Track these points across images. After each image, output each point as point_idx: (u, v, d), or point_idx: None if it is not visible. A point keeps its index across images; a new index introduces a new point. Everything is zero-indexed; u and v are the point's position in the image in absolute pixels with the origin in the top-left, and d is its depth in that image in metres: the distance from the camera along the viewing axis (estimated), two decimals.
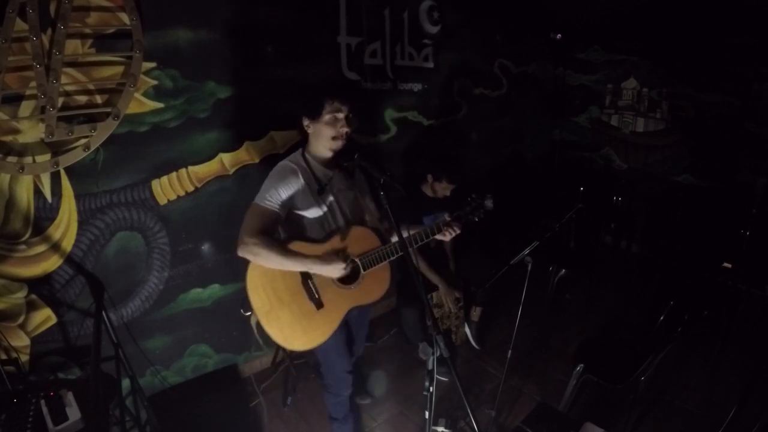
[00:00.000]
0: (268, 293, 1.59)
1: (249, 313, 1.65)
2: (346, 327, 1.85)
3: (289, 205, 1.60)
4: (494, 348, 2.92)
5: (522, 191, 4.26)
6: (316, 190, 1.63)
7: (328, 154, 1.64)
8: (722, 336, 2.73)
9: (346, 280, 1.67)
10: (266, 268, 1.57)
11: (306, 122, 1.64)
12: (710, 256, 2.93)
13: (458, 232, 1.73)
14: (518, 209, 3.90)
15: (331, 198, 1.68)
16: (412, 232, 1.70)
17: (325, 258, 1.58)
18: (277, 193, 1.57)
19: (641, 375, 1.94)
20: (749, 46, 3.25)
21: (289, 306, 1.62)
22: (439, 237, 1.73)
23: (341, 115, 1.60)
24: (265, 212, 1.56)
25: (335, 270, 1.58)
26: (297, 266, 1.57)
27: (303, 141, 1.72)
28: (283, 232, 1.69)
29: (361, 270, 1.67)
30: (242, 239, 1.52)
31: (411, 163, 3.18)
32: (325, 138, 1.61)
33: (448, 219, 1.71)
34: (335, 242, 1.66)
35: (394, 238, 1.72)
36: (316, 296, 1.64)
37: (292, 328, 1.63)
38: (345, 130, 1.61)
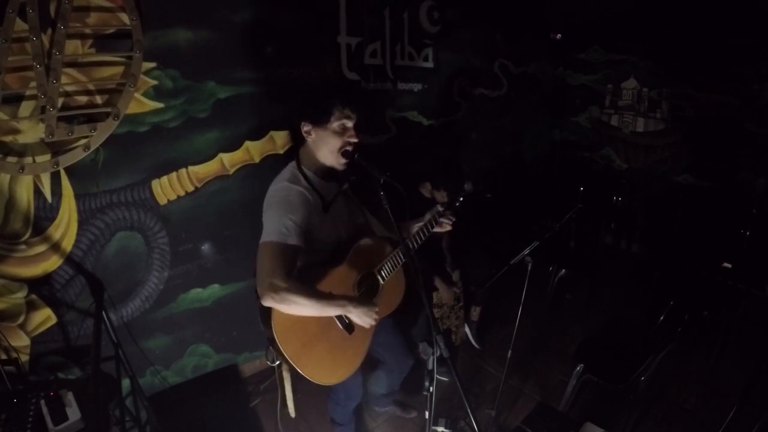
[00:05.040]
0: (299, 334, 1.42)
1: (277, 363, 1.47)
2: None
3: (306, 232, 1.43)
4: (494, 348, 2.92)
5: (522, 191, 4.26)
6: (321, 208, 1.50)
7: (329, 165, 1.50)
8: (722, 336, 2.73)
9: (369, 295, 1.62)
10: None
11: (307, 127, 1.47)
12: (710, 256, 2.93)
13: (453, 219, 1.75)
14: (518, 209, 3.90)
15: (335, 214, 1.57)
16: (412, 231, 1.71)
17: (367, 305, 1.49)
18: (294, 224, 1.37)
19: (641, 375, 1.94)
20: (749, 46, 3.25)
21: (323, 340, 1.48)
22: (438, 229, 1.76)
23: (350, 124, 1.46)
24: (288, 250, 1.35)
25: (369, 318, 1.48)
26: (336, 311, 1.44)
27: (295, 151, 1.56)
28: None
29: (381, 281, 1.63)
30: (272, 286, 1.28)
31: (411, 163, 3.18)
32: (330, 148, 1.46)
33: (440, 209, 1.73)
34: (353, 260, 1.56)
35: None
36: (347, 320, 1.53)
37: (329, 362, 1.51)
38: (354, 140, 1.46)
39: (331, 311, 1.44)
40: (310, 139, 1.49)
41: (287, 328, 1.39)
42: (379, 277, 1.63)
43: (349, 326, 1.54)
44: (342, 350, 1.54)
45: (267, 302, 1.31)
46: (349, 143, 1.46)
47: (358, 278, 1.59)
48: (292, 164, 1.54)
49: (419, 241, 1.70)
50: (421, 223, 1.73)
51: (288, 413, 1.67)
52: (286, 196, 1.42)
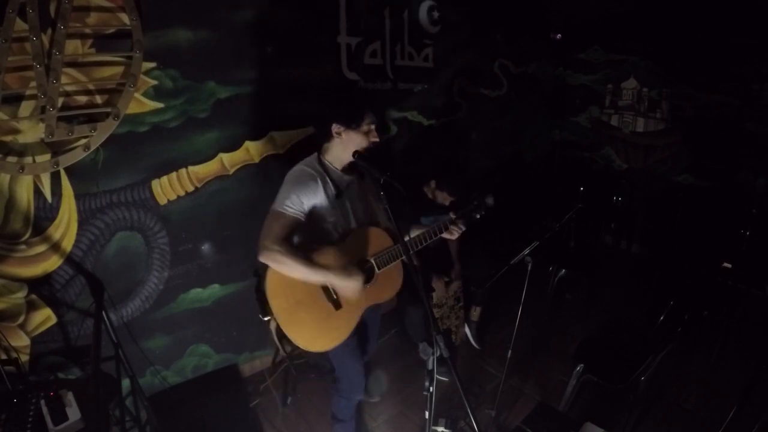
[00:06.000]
0: (288, 297, 1.58)
1: (267, 318, 1.60)
2: (358, 328, 1.84)
3: (310, 210, 1.61)
4: (494, 348, 2.92)
5: (522, 191, 4.26)
6: (334, 195, 1.64)
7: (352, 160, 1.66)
8: (722, 336, 2.73)
9: (363, 280, 1.69)
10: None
11: (338, 128, 1.63)
12: (710, 256, 2.94)
13: (464, 229, 1.80)
14: (518, 209, 3.90)
15: (347, 203, 1.70)
16: (418, 232, 1.78)
17: (347, 272, 1.58)
18: (299, 199, 1.57)
19: (641, 375, 1.94)
20: (749, 46, 3.25)
21: (309, 308, 1.61)
22: (446, 236, 1.81)
23: (374, 127, 1.65)
24: (289, 219, 1.55)
25: (355, 286, 1.59)
26: (320, 279, 1.57)
27: (318, 145, 1.71)
28: (297, 235, 1.68)
29: (376, 269, 1.71)
30: (266, 246, 1.49)
31: (411, 163, 3.18)
32: (358, 147, 1.62)
33: (453, 217, 1.77)
34: (351, 243, 1.68)
35: (407, 237, 1.78)
36: (335, 297, 1.65)
37: (313, 329, 1.63)
38: (377, 140, 1.65)
39: (313, 277, 1.55)
40: (338, 138, 1.65)
41: (278, 287, 1.56)
42: (375, 265, 1.71)
43: (336, 302, 1.65)
44: (326, 323, 1.65)
45: (261, 258, 1.51)
46: (373, 143, 1.65)
47: (354, 262, 1.67)
48: (315, 154, 1.71)
49: (424, 242, 1.76)
50: (426, 228, 1.78)
51: (281, 351, 1.79)
52: (300, 176, 1.62)
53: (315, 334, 1.63)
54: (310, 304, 1.61)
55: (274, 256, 1.48)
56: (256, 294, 1.62)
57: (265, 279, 1.54)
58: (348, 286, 1.58)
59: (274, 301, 1.55)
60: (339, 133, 1.64)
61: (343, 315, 1.68)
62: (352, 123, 1.62)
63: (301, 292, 1.59)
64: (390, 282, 1.79)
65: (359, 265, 1.69)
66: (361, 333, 1.99)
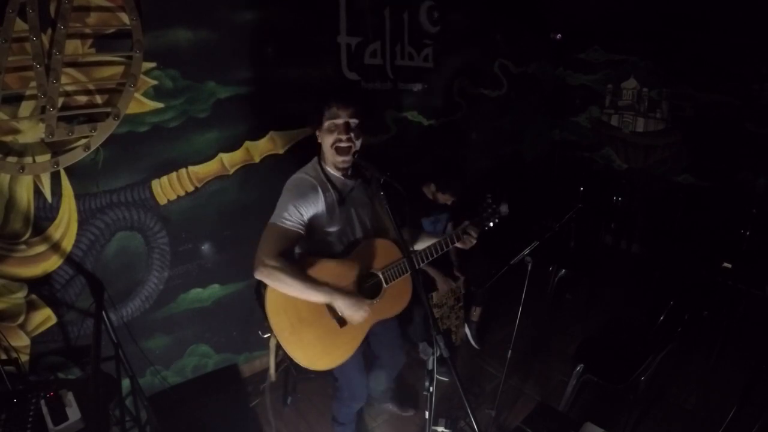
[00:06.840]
0: (290, 315, 1.49)
1: (267, 336, 1.54)
2: (365, 341, 1.77)
3: (310, 222, 1.52)
4: (494, 348, 2.92)
5: (522, 191, 4.25)
6: (336, 202, 1.56)
7: (334, 163, 1.56)
8: (722, 336, 2.73)
9: (369, 295, 1.61)
10: None
11: (315, 131, 1.58)
12: (710, 256, 2.93)
13: (475, 240, 1.71)
14: (518, 209, 3.90)
15: (351, 210, 1.61)
16: (430, 242, 1.69)
17: (354, 300, 1.48)
18: (298, 211, 1.47)
19: (641, 375, 1.94)
20: (749, 46, 3.25)
21: (312, 326, 1.52)
22: (459, 245, 1.72)
23: (340, 122, 1.50)
24: (287, 233, 1.46)
25: (358, 313, 1.48)
26: (320, 298, 1.47)
27: (318, 150, 1.65)
28: (299, 245, 1.60)
29: (384, 284, 1.62)
30: (262, 261, 1.40)
31: (411, 163, 3.18)
32: (325, 146, 1.53)
33: (467, 225, 1.69)
34: (357, 257, 1.59)
35: (416, 247, 1.72)
36: (340, 313, 1.55)
37: (316, 348, 1.54)
38: (344, 137, 1.49)
39: (315, 296, 1.45)
40: (320, 140, 1.58)
41: (279, 307, 1.47)
42: (383, 280, 1.62)
43: (341, 319, 1.56)
44: (331, 340, 1.56)
45: (257, 275, 1.42)
46: (341, 140, 1.50)
47: (361, 276, 1.60)
48: (315, 158, 1.63)
49: (435, 253, 1.67)
50: (438, 238, 1.69)
51: (271, 376, 1.79)
52: (298, 186, 1.52)
53: (318, 353, 1.55)
54: (314, 321, 1.52)
55: (270, 272, 1.39)
56: (255, 294, 1.58)
57: (264, 296, 1.46)
58: (353, 315, 1.49)
59: (275, 319, 1.47)
60: (317, 136, 1.57)
61: (348, 332, 1.58)
62: (315, 121, 1.54)
63: (305, 310, 1.50)
64: (399, 296, 1.69)
65: (366, 278, 1.61)
66: (372, 346, 1.94)
